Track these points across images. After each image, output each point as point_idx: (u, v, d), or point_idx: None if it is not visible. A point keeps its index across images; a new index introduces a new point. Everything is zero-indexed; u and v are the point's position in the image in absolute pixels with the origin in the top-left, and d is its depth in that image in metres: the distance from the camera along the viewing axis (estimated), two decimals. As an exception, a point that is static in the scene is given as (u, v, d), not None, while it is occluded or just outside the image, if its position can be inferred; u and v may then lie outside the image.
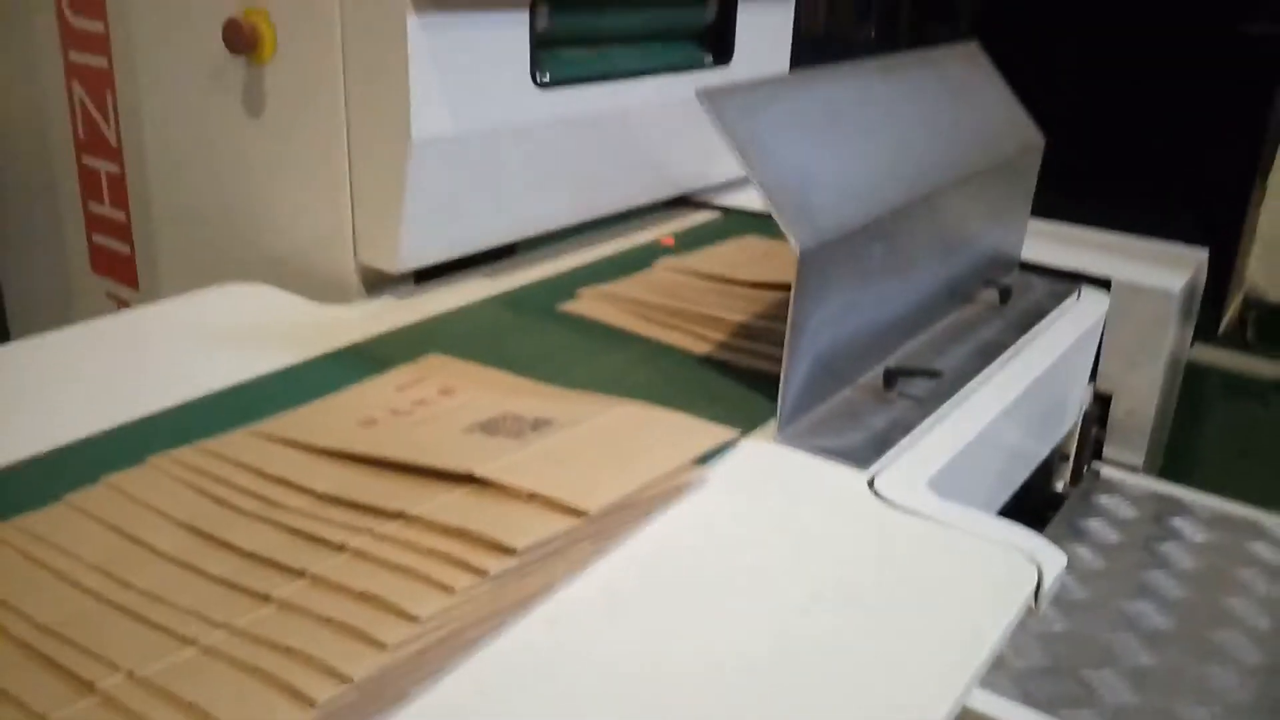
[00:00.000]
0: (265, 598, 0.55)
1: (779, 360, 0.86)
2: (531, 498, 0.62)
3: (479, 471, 0.64)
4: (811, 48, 1.54)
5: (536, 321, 1.01)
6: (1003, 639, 0.60)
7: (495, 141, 1.06)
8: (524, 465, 0.66)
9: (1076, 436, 1.23)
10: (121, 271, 1.31)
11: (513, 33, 1.04)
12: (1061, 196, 1.34)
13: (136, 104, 1.20)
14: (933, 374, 0.90)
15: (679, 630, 0.58)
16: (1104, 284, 1.20)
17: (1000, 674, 0.86)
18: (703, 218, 1.41)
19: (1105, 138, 2.68)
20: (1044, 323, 1.08)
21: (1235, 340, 2.19)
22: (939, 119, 1.07)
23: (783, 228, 0.76)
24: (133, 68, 1.19)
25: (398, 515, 0.61)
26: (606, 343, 0.96)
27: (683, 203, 1.45)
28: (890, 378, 0.88)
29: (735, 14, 1.35)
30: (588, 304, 1.04)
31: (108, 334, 0.97)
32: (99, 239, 1.33)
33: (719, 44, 1.36)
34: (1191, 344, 1.36)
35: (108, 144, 1.26)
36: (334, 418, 0.76)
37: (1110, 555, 1.10)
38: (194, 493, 0.66)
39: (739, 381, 0.88)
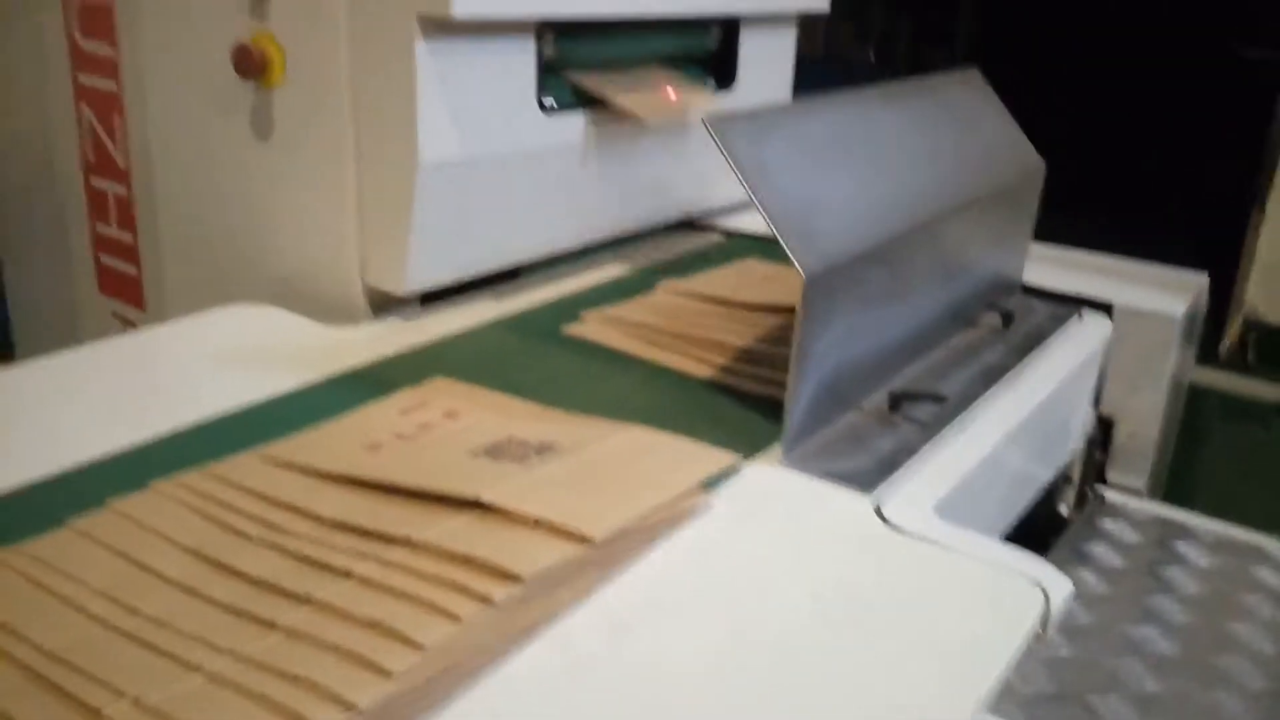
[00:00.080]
0: (271, 624, 0.55)
1: (781, 384, 0.87)
2: (536, 524, 0.62)
3: (485, 497, 0.64)
4: (811, 70, 1.55)
5: (540, 345, 1.01)
6: (1010, 665, 0.60)
7: (501, 166, 1.07)
8: (529, 491, 0.66)
9: (1080, 460, 1.23)
10: (128, 292, 1.31)
11: (519, 59, 1.05)
12: (1061, 220, 1.34)
13: (145, 127, 1.21)
14: (937, 398, 0.90)
15: (685, 656, 0.58)
16: (1105, 308, 1.20)
17: (1007, 700, 0.86)
18: (705, 241, 1.41)
19: (1103, 161, 2.70)
20: (1047, 347, 1.09)
21: (1236, 363, 2.19)
22: (941, 145, 1.08)
23: (788, 253, 0.76)
24: (142, 91, 1.20)
25: (403, 541, 0.61)
26: (610, 366, 0.96)
27: (686, 226, 1.45)
28: (895, 401, 0.89)
29: (738, 40, 1.36)
30: (591, 327, 1.04)
31: (114, 356, 0.98)
32: (106, 260, 1.33)
33: (722, 69, 1.37)
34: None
35: (116, 166, 1.27)
36: (339, 442, 0.76)
37: (1114, 580, 1.10)
38: (199, 518, 0.66)
39: (742, 405, 0.89)
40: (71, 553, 0.62)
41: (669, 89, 1.23)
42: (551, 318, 1.07)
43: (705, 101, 1.26)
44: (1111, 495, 1.26)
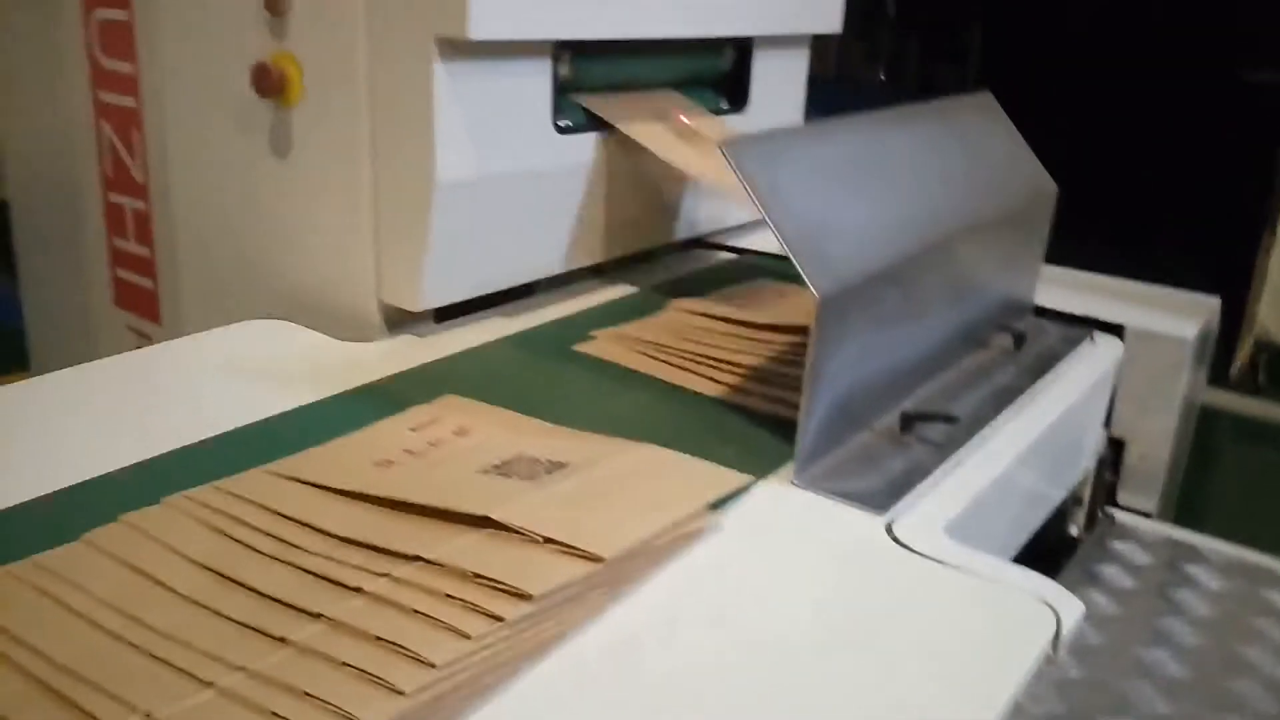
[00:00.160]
0: (282, 640, 0.55)
1: (792, 404, 0.87)
2: (548, 542, 0.63)
3: (495, 515, 0.65)
4: (821, 89, 1.56)
5: (552, 362, 1.02)
6: (1022, 687, 0.60)
7: (517, 184, 1.08)
8: (539, 508, 0.66)
9: (1091, 481, 1.23)
10: (144, 306, 1.32)
11: (535, 79, 1.06)
12: (1072, 243, 1.35)
13: (164, 143, 1.22)
14: (949, 419, 0.90)
15: (696, 675, 0.58)
16: (1117, 330, 1.21)
17: (1017, 722, 0.86)
18: (717, 259, 1.42)
19: (1113, 183, 2.70)
20: (1058, 368, 1.09)
21: (1247, 385, 2.19)
22: (954, 167, 1.08)
23: (802, 274, 0.77)
24: (161, 108, 1.21)
25: (414, 558, 0.62)
26: (621, 384, 0.97)
27: (698, 244, 1.46)
28: (907, 422, 0.89)
29: (751, 62, 1.37)
30: (602, 345, 1.05)
31: (129, 370, 0.99)
32: (123, 273, 1.34)
33: (735, 90, 1.38)
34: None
35: (134, 181, 1.28)
36: (350, 458, 0.77)
37: (1125, 601, 1.10)
38: (211, 532, 0.66)
39: (753, 424, 0.89)
40: (83, 565, 0.63)
41: (681, 116, 1.25)
42: (563, 335, 1.08)
43: (716, 131, 1.26)
44: (1122, 517, 1.26)
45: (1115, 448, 1.25)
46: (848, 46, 3.46)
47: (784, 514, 0.76)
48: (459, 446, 0.79)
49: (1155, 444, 1.23)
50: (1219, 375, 1.85)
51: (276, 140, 1.09)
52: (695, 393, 0.95)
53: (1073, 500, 1.23)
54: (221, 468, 0.74)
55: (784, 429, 0.86)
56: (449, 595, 0.58)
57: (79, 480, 0.74)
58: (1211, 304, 1.29)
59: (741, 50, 1.37)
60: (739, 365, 0.99)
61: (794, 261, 0.77)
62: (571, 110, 1.13)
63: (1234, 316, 2.01)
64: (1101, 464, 1.23)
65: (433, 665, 0.53)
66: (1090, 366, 1.13)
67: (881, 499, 0.78)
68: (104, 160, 1.32)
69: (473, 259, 1.08)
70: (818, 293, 0.77)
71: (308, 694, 0.51)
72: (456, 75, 0.97)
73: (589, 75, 1.14)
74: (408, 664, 0.53)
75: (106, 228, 1.35)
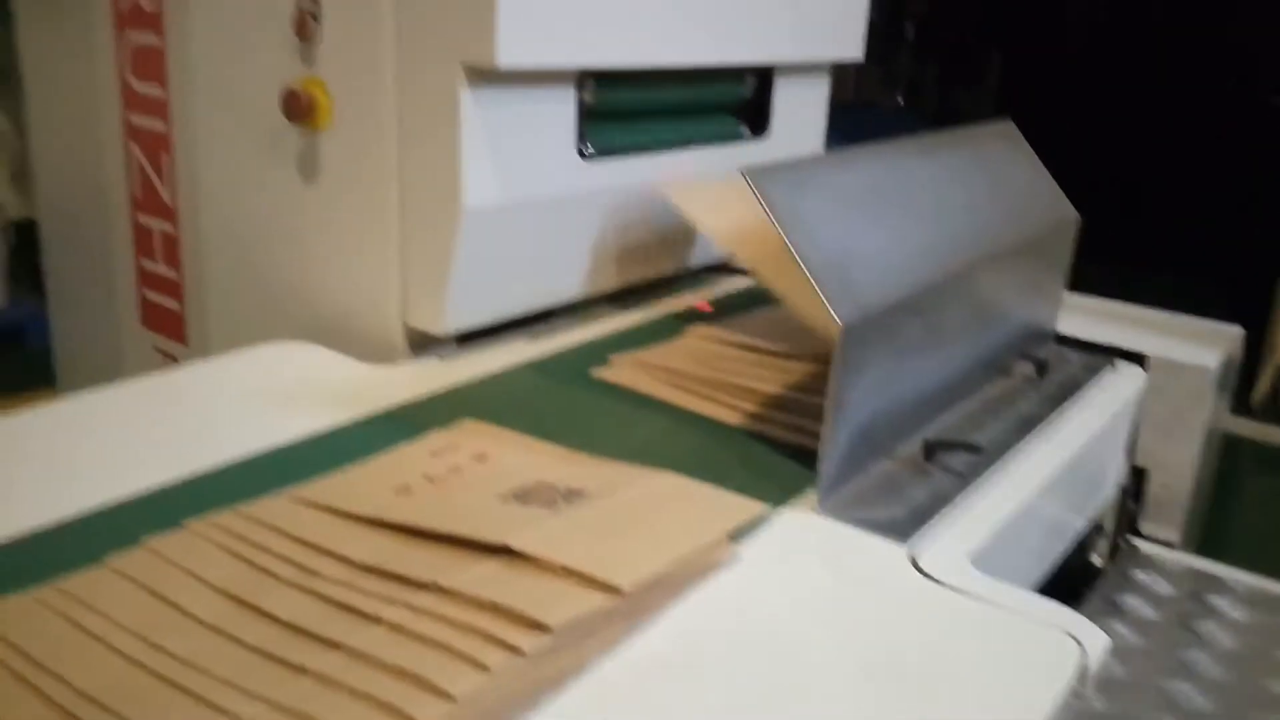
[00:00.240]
0: (301, 669, 0.55)
1: (813, 433, 0.87)
2: (565, 572, 0.62)
3: (513, 544, 0.64)
4: (840, 114, 1.56)
5: (572, 388, 1.02)
6: (1048, 721, 0.60)
7: (540, 210, 1.09)
8: (557, 537, 0.66)
9: (1113, 510, 1.23)
10: (170, 327, 1.34)
11: (560, 107, 1.07)
12: (1092, 269, 1.35)
13: (193, 166, 1.24)
14: (973, 448, 0.90)
15: (716, 708, 0.58)
16: (1139, 359, 1.20)
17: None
18: (738, 284, 1.42)
19: (1133, 209, 2.69)
20: (1080, 397, 1.09)
21: (1270, 413, 2.17)
22: (975, 196, 1.08)
23: (825, 303, 0.77)
24: (191, 131, 1.23)
25: (432, 587, 0.61)
26: (641, 411, 0.97)
27: (719, 269, 1.47)
28: (929, 450, 0.89)
29: (773, 89, 1.38)
30: (620, 371, 1.05)
31: (154, 392, 0.99)
32: (150, 295, 1.36)
33: (757, 117, 1.39)
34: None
35: (163, 203, 1.30)
36: (370, 484, 0.77)
37: (1148, 633, 1.09)
38: (232, 558, 0.67)
39: (773, 452, 0.89)
40: (106, 591, 0.63)
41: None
42: (584, 360, 1.09)
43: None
44: (1144, 546, 1.25)
45: (1137, 477, 1.24)
46: (866, 71, 3.47)
47: (808, 542, 0.76)
48: (478, 473, 0.79)
49: (1178, 473, 1.23)
50: (1241, 404, 1.84)
51: (304, 165, 1.11)
52: (713, 420, 0.95)
53: (1095, 529, 1.22)
54: (244, 491, 0.75)
55: (803, 457, 0.86)
56: (467, 625, 0.58)
57: (104, 502, 0.75)
58: (1234, 333, 1.29)
59: (763, 78, 1.38)
60: (758, 392, 0.99)
61: (816, 290, 0.78)
62: (596, 136, 1.14)
63: (1255, 345, 2.00)
64: (1124, 493, 1.23)
65: (451, 697, 0.52)
66: (1113, 395, 1.12)
67: (905, 528, 0.77)
68: (133, 182, 1.34)
69: (496, 283, 1.09)
70: (840, 321, 0.77)
71: None
72: (483, 102, 0.98)
73: (612, 102, 1.15)
74: (426, 696, 0.53)
75: (135, 249, 1.36)
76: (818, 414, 0.80)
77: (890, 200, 0.95)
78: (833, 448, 0.80)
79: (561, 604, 0.59)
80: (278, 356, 1.06)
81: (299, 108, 1.06)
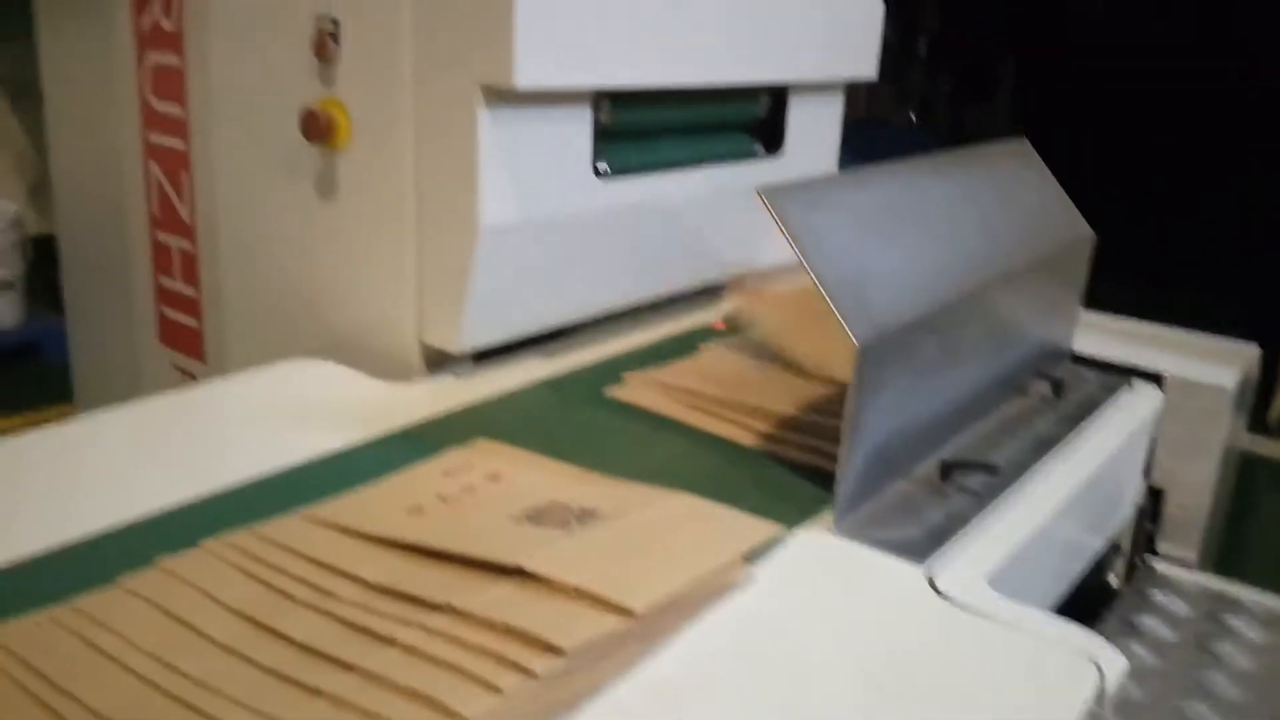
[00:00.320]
0: (316, 691, 0.55)
1: (826, 454, 0.87)
2: (578, 594, 0.62)
3: (527, 565, 0.64)
4: (852, 130, 1.57)
5: (587, 407, 1.02)
6: (1067, 745, 0.59)
7: (556, 229, 1.10)
8: (570, 559, 0.66)
9: (1130, 530, 1.22)
10: (188, 344, 1.35)
11: (576, 127, 1.08)
12: (1109, 289, 1.34)
13: (212, 185, 1.25)
14: (990, 468, 0.90)
15: (738, 728, 0.58)
16: (1156, 378, 1.20)
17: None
18: (751, 302, 1.43)
19: (1148, 227, 2.68)
20: (1097, 416, 1.08)
21: (1284, 431, 2.15)
22: (991, 215, 1.09)
23: (841, 322, 0.77)
24: (210, 150, 1.24)
25: (446, 608, 0.61)
26: (656, 430, 0.97)
27: (732, 286, 1.47)
28: (946, 470, 0.89)
29: (787, 107, 1.39)
30: (633, 390, 1.05)
31: (171, 410, 1.00)
32: (168, 312, 1.37)
33: (771, 136, 1.40)
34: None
35: (182, 221, 1.31)
36: (384, 504, 0.77)
37: (1166, 654, 1.08)
38: (247, 578, 0.67)
39: (786, 472, 0.89)
40: (120, 611, 0.63)
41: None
42: (598, 379, 1.09)
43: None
44: (1161, 566, 1.25)
45: (1154, 497, 1.23)
46: (878, 88, 3.48)
47: (825, 563, 0.75)
48: (491, 493, 0.79)
49: (1195, 493, 1.22)
50: (1258, 422, 1.83)
51: (323, 184, 1.12)
52: (727, 440, 0.95)
53: (1111, 549, 1.22)
54: (260, 510, 0.75)
55: (818, 477, 0.86)
56: (480, 647, 0.58)
57: (119, 521, 0.75)
58: (1250, 351, 1.28)
59: (777, 96, 1.38)
60: (772, 412, 0.99)
61: (833, 309, 0.78)
62: (612, 156, 1.15)
63: (1272, 363, 1.99)
64: (1140, 513, 1.22)
65: None
66: (1129, 415, 1.12)
67: (922, 549, 0.77)
68: (152, 200, 1.35)
69: (513, 302, 1.09)
70: (857, 340, 0.77)
71: None
72: (501, 123, 0.99)
73: (628, 122, 1.16)
74: (440, 718, 0.53)
75: (153, 266, 1.38)
76: (832, 435, 0.80)
77: (906, 219, 0.96)
78: (849, 467, 0.80)
79: (575, 626, 0.59)
80: (295, 374, 1.07)
81: (318, 128, 1.07)
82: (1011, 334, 1.07)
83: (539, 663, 0.56)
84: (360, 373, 1.07)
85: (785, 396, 1.02)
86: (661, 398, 1.03)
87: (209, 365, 1.32)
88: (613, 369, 1.12)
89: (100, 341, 1.53)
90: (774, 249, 1.45)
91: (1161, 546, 1.26)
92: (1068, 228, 1.20)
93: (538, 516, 0.73)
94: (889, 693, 0.61)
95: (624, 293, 1.25)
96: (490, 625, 0.59)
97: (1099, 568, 1.20)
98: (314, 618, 0.62)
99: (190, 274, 1.32)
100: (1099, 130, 2.88)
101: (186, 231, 1.31)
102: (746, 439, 0.95)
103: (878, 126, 3.52)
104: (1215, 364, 1.22)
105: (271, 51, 1.13)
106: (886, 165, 0.99)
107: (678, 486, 0.81)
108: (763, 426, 0.97)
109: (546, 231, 1.09)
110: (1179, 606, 1.17)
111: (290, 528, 0.73)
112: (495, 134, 0.99)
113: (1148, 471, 1.22)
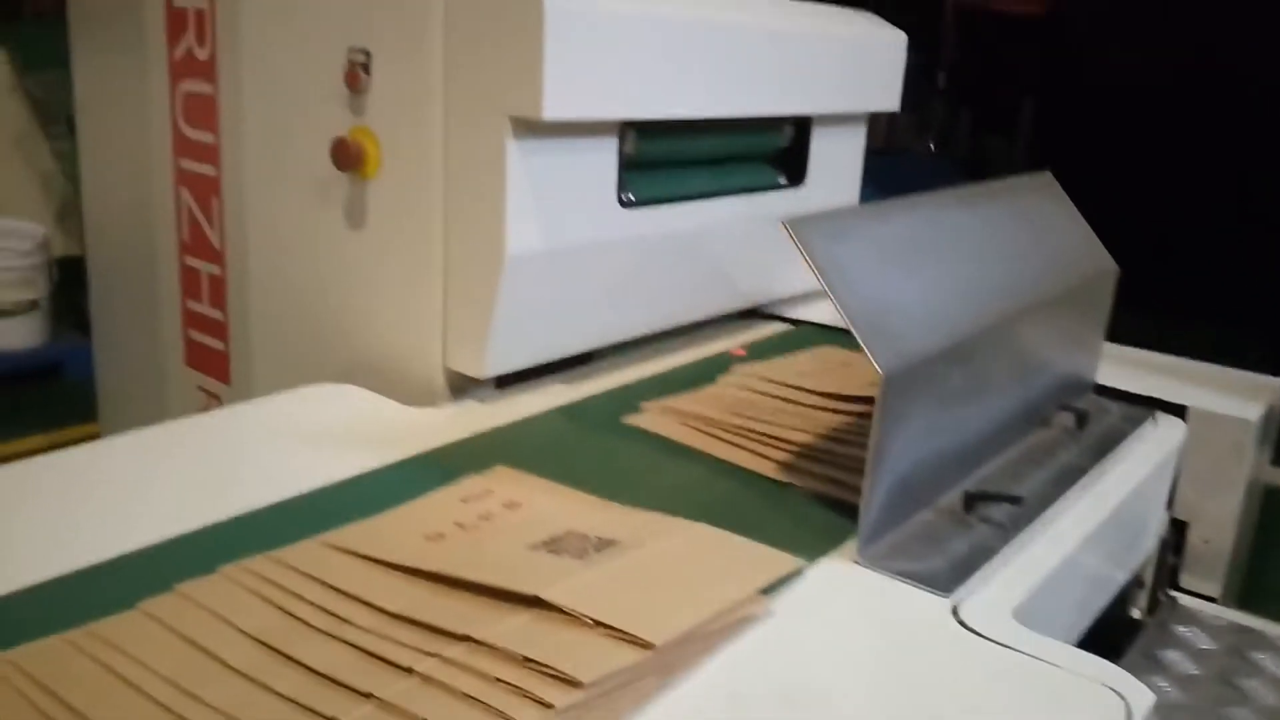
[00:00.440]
0: None
1: (844, 484, 0.87)
2: (597, 625, 0.62)
3: (546, 596, 0.64)
4: (872, 160, 1.58)
5: (605, 434, 1.03)
6: (1095, 781, 0.59)
7: (581, 257, 1.11)
8: (588, 590, 0.66)
9: (1153, 563, 1.21)
10: (214, 367, 1.36)
11: (602, 157, 1.09)
12: (1130, 320, 1.34)
13: (242, 211, 1.27)
14: (1014, 499, 0.90)
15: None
16: (1179, 411, 1.19)
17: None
18: (773, 329, 1.43)
19: (1170, 259, 2.67)
20: (1121, 449, 1.08)
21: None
22: (1015, 247, 1.09)
23: (866, 351, 0.78)
24: (240, 177, 1.26)
25: (464, 639, 0.62)
26: (674, 458, 0.97)
27: (753, 314, 1.48)
28: (970, 501, 0.89)
29: (809, 139, 1.40)
30: (651, 418, 1.06)
31: (195, 433, 1.01)
32: (195, 335, 1.39)
33: (793, 166, 1.41)
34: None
35: (211, 247, 1.33)
36: (402, 531, 0.77)
37: (1190, 688, 1.07)
38: (264, 604, 0.67)
39: (805, 502, 0.89)
40: (139, 636, 0.63)
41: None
42: (617, 406, 1.09)
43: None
44: (1185, 600, 1.24)
45: (1178, 529, 1.23)
46: (898, 118, 3.49)
47: (846, 594, 0.75)
48: (509, 520, 0.79)
49: (1219, 526, 1.21)
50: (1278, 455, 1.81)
51: (352, 212, 1.13)
52: (745, 469, 0.95)
53: (1134, 582, 1.21)
54: (280, 535, 0.76)
55: (839, 507, 0.86)
56: (499, 679, 0.58)
57: (141, 545, 0.76)
58: (1275, 385, 1.28)
59: (800, 127, 1.40)
60: (792, 441, 0.99)
61: (858, 339, 0.78)
62: (636, 185, 1.16)
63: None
64: (1164, 546, 1.21)
65: None
66: (1153, 447, 1.11)
67: (946, 580, 0.77)
68: (182, 225, 1.37)
69: (536, 328, 1.10)
70: (882, 370, 0.77)
71: None
72: (528, 153, 1.00)
73: (652, 152, 1.17)
74: None
75: (181, 290, 1.39)
76: (852, 465, 0.80)
77: (930, 251, 0.96)
78: (873, 497, 0.80)
79: (594, 659, 0.59)
80: (320, 398, 1.08)
81: (348, 156, 1.09)
82: (1036, 365, 1.07)
83: (559, 696, 0.56)
84: (383, 397, 1.07)
85: (804, 425, 1.02)
86: (679, 425, 1.04)
87: (234, 388, 1.33)
88: (632, 395, 1.12)
89: (126, 363, 1.54)
90: (794, 278, 1.46)
91: (1185, 580, 1.25)
92: (1092, 261, 1.20)
93: (555, 545, 0.73)
94: (915, 725, 0.61)
95: (646, 320, 1.26)
96: (508, 656, 0.60)
97: (1122, 600, 1.19)
98: (331, 645, 0.62)
99: (218, 298, 1.33)
100: (1119, 163, 2.88)
101: (216, 257, 1.32)
102: (765, 468, 0.95)
103: (898, 155, 3.54)
104: (1239, 397, 1.22)
105: (303, 81, 1.15)
106: (911, 197, 0.99)
107: (696, 516, 0.81)
108: (781, 455, 0.97)
109: (571, 260, 1.10)
110: (1202, 640, 1.16)
111: (309, 553, 0.73)
112: (523, 164, 1.00)
113: (1171, 504, 1.21)
